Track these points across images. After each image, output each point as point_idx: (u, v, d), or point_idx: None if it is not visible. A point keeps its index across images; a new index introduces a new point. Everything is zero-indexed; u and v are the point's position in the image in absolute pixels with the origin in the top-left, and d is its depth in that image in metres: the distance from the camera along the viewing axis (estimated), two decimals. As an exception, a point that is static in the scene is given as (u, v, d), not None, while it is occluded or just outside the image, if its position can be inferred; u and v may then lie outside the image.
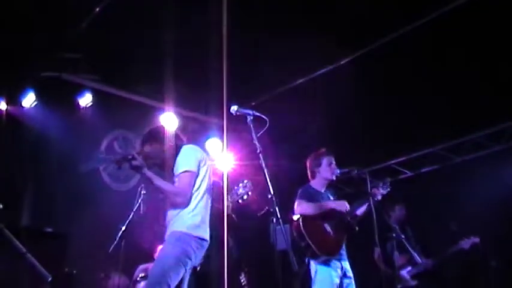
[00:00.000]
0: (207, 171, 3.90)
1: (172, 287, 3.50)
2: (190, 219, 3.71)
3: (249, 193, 4.32)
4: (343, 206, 4.93)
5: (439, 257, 6.15)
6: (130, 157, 3.69)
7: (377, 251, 6.07)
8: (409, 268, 6.16)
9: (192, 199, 3.76)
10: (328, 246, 4.84)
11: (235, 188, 4.40)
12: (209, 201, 3.91)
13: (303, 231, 4.80)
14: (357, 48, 5.90)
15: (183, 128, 3.91)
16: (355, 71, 6.16)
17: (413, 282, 6.12)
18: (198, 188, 3.80)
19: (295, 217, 4.94)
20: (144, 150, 3.90)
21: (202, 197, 3.82)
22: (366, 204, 4.99)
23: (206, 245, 3.78)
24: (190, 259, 3.63)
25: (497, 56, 5.82)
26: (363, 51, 5.86)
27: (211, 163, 4.09)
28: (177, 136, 4.00)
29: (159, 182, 3.72)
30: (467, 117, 6.63)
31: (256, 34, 5.57)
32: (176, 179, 3.79)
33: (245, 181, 4.37)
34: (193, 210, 3.74)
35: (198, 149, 3.98)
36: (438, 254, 6.17)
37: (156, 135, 3.99)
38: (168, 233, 3.76)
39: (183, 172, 3.75)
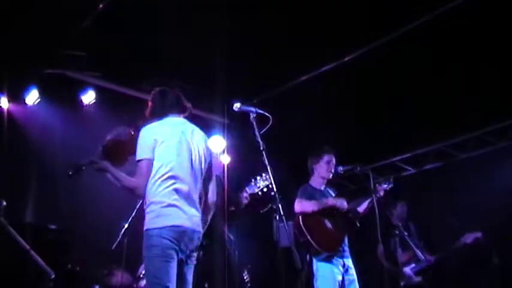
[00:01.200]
0: (171, 148, 3.37)
1: (172, 284, 3.17)
2: (151, 213, 3.25)
3: (269, 185, 4.24)
4: (343, 203, 4.96)
5: (442, 253, 6.15)
6: (87, 162, 3.50)
7: (380, 247, 6.07)
8: (413, 265, 6.17)
9: (149, 187, 3.29)
10: (328, 242, 4.85)
11: (254, 180, 4.36)
12: (185, 183, 3.34)
13: (303, 228, 4.82)
14: (360, 45, 5.88)
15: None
16: (358, 68, 6.15)
17: (417, 279, 6.12)
18: (155, 172, 3.30)
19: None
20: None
21: (164, 181, 3.28)
22: (368, 201, 5.00)
23: (187, 230, 3.24)
24: (174, 249, 3.18)
25: (502, 52, 5.80)
26: (365, 48, 5.85)
27: (196, 138, 3.60)
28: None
29: (120, 177, 3.37)
30: (471, 113, 6.61)
31: (257, 31, 5.56)
32: None
33: (264, 174, 4.32)
34: (153, 200, 3.27)
35: (153, 126, 3.50)
36: (441, 250, 6.17)
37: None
38: None
39: (137, 162, 3.34)
